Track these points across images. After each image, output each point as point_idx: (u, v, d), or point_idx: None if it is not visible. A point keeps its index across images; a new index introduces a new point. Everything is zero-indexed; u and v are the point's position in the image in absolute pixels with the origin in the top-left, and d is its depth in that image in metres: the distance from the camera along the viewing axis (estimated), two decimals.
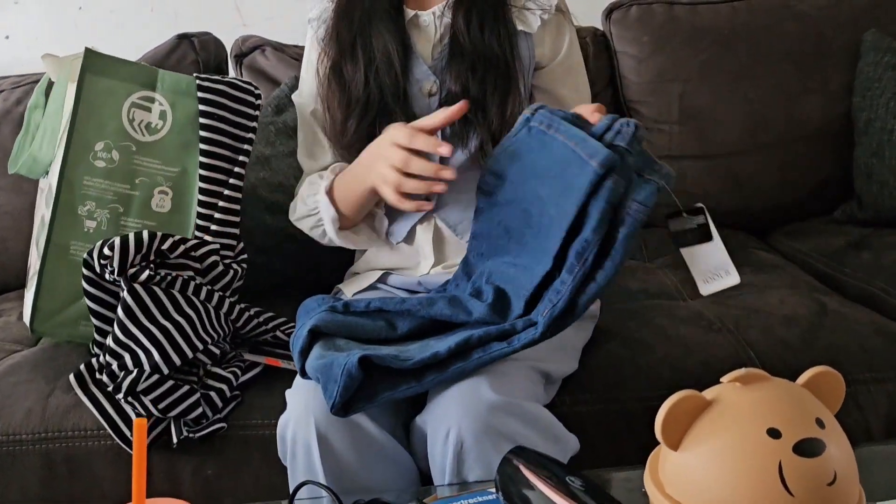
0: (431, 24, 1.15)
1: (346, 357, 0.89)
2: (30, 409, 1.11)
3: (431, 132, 1.03)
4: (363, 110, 1.12)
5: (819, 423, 0.56)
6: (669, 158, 1.59)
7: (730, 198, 1.64)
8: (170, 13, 1.88)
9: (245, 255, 1.23)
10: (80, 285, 1.12)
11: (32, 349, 1.27)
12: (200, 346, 1.09)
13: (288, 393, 0.99)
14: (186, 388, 1.06)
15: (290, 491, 0.90)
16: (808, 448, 0.55)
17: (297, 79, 1.45)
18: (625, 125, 0.91)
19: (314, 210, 1.15)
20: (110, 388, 1.07)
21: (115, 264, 1.07)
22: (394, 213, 1.17)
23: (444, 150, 0.99)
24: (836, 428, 0.57)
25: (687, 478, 0.59)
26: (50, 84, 1.31)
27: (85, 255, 1.11)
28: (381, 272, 1.19)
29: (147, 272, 1.08)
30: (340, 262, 1.28)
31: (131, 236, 1.09)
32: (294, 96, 1.24)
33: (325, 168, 1.17)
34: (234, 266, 1.19)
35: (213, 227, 1.20)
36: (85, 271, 1.11)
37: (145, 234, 1.10)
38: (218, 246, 1.18)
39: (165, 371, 1.06)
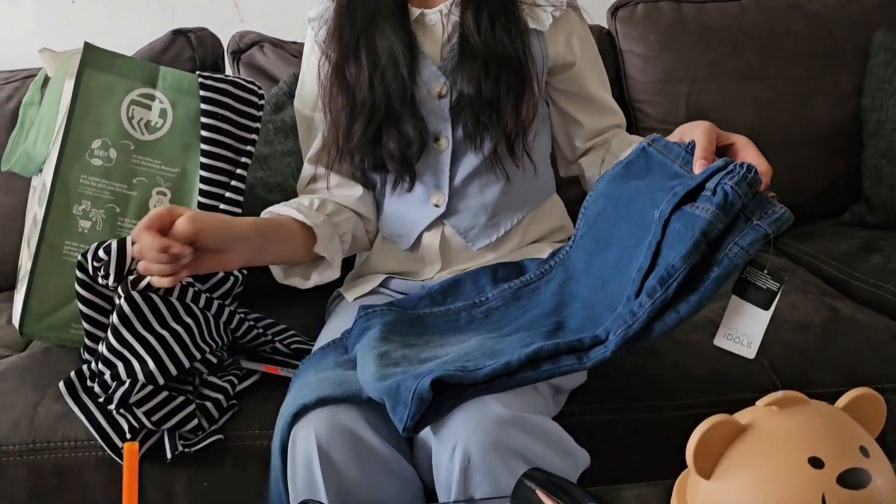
0: (438, 23, 1.11)
1: (413, 379, 0.86)
2: (17, 418, 1.09)
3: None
4: (369, 115, 1.08)
5: (863, 452, 0.53)
6: None
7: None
8: (165, 8, 1.87)
9: None
10: (73, 287, 1.10)
11: (21, 354, 1.24)
12: (198, 356, 1.07)
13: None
14: (181, 398, 1.04)
15: None
16: (853, 479, 0.52)
17: (295, 76, 1.42)
18: (738, 167, 0.89)
19: None
20: (101, 400, 1.05)
21: (112, 269, 1.05)
22: (401, 220, 1.15)
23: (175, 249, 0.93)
24: (881, 456, 0.54)
25: None
26: (46, 80, 1.28)
27: (79, 258, 1.08)
28: (384, 277, 1.16)
29: (147, 278, 1.05)
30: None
31: (129, 240, 1.06)
32: (296, 102, 1.20)
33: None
34: (235, 272, 1.17)
35: None
36: (78, 274, 1.09)
37: None
38: None
39: (160, 381, 1.04)
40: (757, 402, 0.57)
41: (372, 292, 1.15)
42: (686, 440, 0.57)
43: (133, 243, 0.95)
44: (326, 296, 1.25)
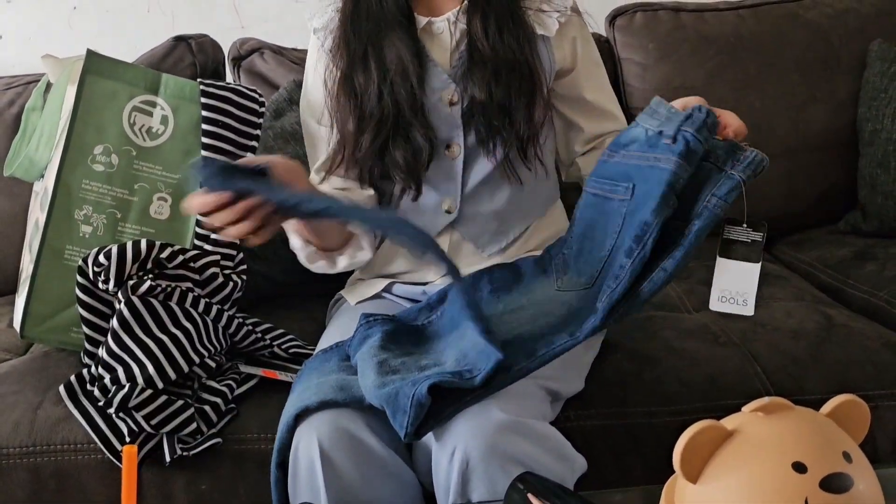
0: (446, 31, 1.11)
1: (411, 386, 0.86)
2: (17, 421, 1.09)
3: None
4: (378, 125, 1.07)
5: (846, 457, 0.54)
6: None
7: (733, 207, 1.62)
8: (167, 14, 1.86)
9: (245, 266, 1.22)
10: (73, 291, 1.11)
11: (21, 358, 1.25)
12: (197, 360, 1.07)
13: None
14: (180, 402, 1.05)
15: None
16: (835, 484, 0.53)
17: (296, 83, 1.43)
18: (696, 111, 0.89)
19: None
20: (101, 403, 1.05)
21: (112, 274, 1.06)
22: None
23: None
24: (864, 461, 0.55)
25: None
26: (48, 86, 1.29)
27: (80, 262, 1.09)
28: (388, 281, 1.16)
29: (147, 283, 1.06)
30: None
31: (129, 245, 1.07)
32: (302, 113, 1.19)
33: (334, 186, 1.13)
34: (234, 277, 1.18)
35: (214, 236, 1.18)
36: (79, 278, 1.10)
37: (143, 243, 1.09)
38: (218, 256, 1.17)
39: (160, 385, 1.04)
40: (743, 408, 0.58)
41: (374, 296, 1.16)
42: None
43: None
44: (324, 301, 1.26)
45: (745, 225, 0.89)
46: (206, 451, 1.04)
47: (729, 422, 0.58)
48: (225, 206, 0.85)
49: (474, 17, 1.08)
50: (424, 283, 1.15)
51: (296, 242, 1.09)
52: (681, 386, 1.11)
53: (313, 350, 1.14)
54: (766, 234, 0.90)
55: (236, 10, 1.87)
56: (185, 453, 1.03)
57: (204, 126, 1.18)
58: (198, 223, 1.18)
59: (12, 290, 1.34)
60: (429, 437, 0.92)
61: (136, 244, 1.08)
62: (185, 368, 1.06)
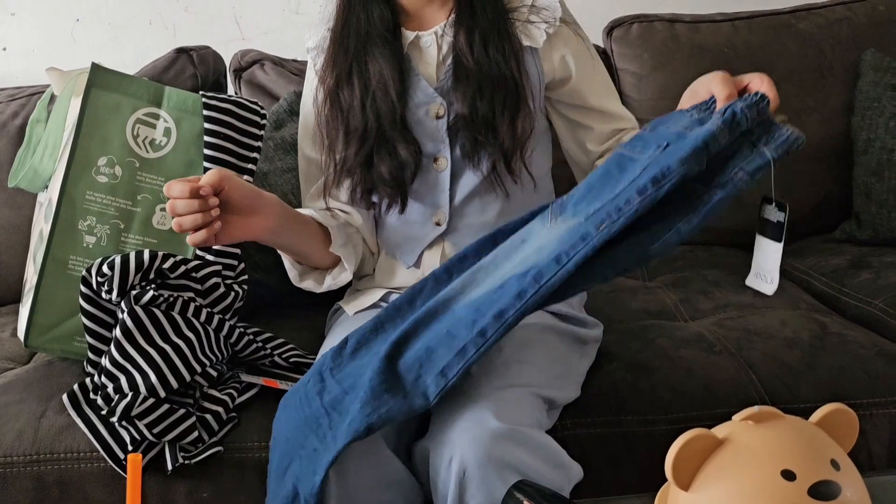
0: (434, 45, 1.12)
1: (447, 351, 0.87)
2: (21, 429, 1.09)
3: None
4: (361, 138, 1.09)
5: (834, 465, 0.55)
6: None
7: (728, 216, 1.60)
8: (168, 26, 1.87)
9: (246, 276, 1.23)
10: (77, 301, 1.11)
11: (25, 367, 1.25)
12: (198, 369, 1.08)
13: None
14: (182, 411, 1.05)
15: None
16: (823, 491, 0.54)
17: (296, 94, 1.44)
18: (753, 95, 0.88)
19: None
20: (104, 412, 1.05)
21: (115, 284, 1.06)
22: (403, 238, 1.16)
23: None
24: (852, 469, 0.56)
25: None
26: (52, 98, 1.30)
27: (84, 272, 1.10)
28: (385, 291, 1.17)
29: (150, 293, 1.07)
30: None
31: (132, 256, 1.08)
32: (300, 140, 1.21)
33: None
34: (236, 287, 1.18)
35: (215, 247, 1.19)
36: (82, 288, 1.11)
37: (146, 253, 1.09)
38: (220, 266, 1.18)
39: (162, 394, 1.04)
40: (733, 417, 0.60)
41: (372, 306, 1.16)
42: None
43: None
44: (324, 310, 1.27)
45: (773, 204, 0.89)
46: (208, 460, 1.05)
47: (720, 430, 0.59)
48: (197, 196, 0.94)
49: (460, 30, 1.09)
50: None
51: (286, 262, 1.14)
52: (676, 394, 1.11)
53: (313, 359, 1.15)
54: (787, 216, 0.90)
55: (237, 22, 1.89)
56: (186, 461, 1.03)
57: (206, 138, 1.19)
58: None
59: (16, 300, 1.35)
60: (426, 446, 0.93)
61: (139, 254, 1.09)
62: (188, 377, 1.06)
